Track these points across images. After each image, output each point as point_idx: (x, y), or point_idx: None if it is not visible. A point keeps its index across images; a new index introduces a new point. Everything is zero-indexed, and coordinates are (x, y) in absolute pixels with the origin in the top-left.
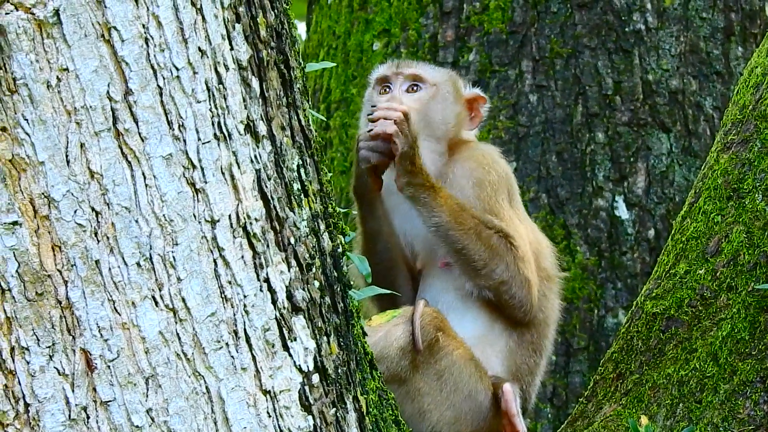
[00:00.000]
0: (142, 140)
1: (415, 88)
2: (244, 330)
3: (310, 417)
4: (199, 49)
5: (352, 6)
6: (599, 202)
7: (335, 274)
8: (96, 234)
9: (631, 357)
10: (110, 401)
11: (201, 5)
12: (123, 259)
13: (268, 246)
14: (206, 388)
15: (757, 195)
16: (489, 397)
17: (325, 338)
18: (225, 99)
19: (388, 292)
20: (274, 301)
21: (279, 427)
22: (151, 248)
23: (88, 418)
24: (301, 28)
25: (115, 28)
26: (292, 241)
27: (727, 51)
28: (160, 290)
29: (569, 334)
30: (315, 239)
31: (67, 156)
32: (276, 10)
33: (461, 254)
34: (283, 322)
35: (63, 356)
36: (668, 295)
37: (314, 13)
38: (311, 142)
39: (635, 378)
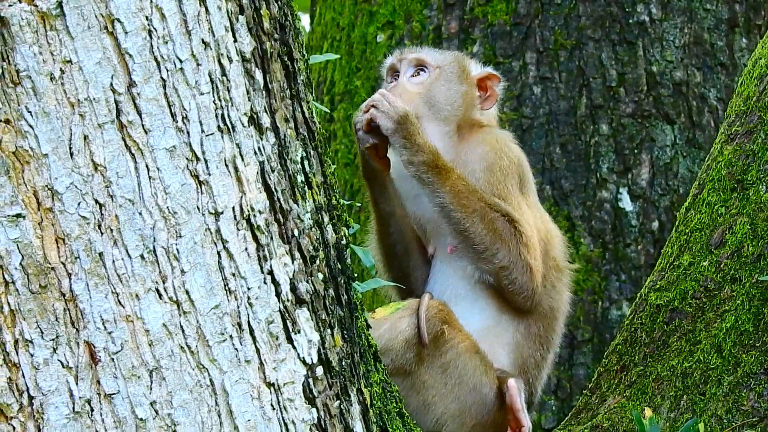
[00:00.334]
0: (146, 132)
1: (419, 72)
2: (248, 322)
3: (314, 409)
4: (203, 41)
5: None
6: (603, 193)
7: (339, 266)
8: (99, 226)
9: (635, 349)
10: (114, 394)
11: None
12: (127, 251)
13: (271, 238)
14: (210, 380)
15: (761, 186)
16: (494, 390)
17: (329, 330)
18: (228, 91)
19: (392, 284)
20: (277, 294)
21: (283, 419)
22: (154, 240)
23: (92, 410)
24: (304, 20)
25: (118, 20)
26: (296, 233)
27: (731, 42)
28: (163, 283)
29: (573, 326)
30: (319, 231)
31: (70, 148)
32: (279, 2)
33: (463, 236)
34: (287, 315)
35: (67, 349)
36: (672, 287)
37: (318, 5)
38: (315, 134)
39: (639, 370)
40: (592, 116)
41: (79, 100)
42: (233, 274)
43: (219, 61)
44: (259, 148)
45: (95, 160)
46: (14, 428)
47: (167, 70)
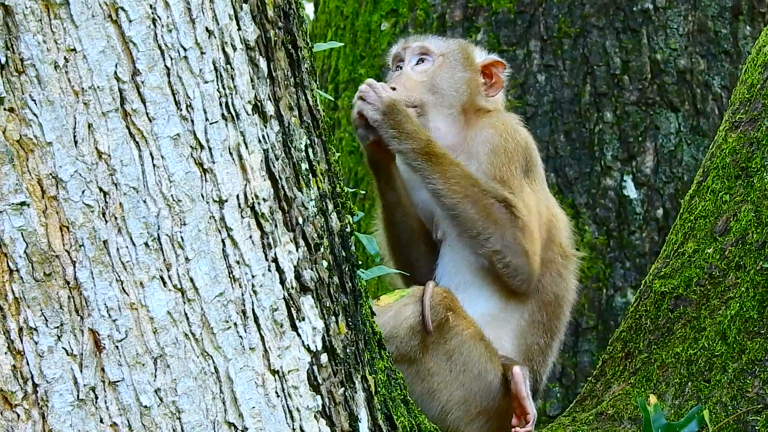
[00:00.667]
0: (150, 121)
1: (422, 60)
2: (253, 310)
3: (318, 396)
4: (207, 29)
5: None
6: (608, 181)
7: (343, 253)
8: (104, 214)
9: (640, 336)
10: (118, 381)
11: None
12: (131, 239)
13: (276, 226)
14: (214, 368)
15: (765, 174)
16: (499, 377)
17: (333, 318)
18: (233, 79)
19: (396, 271)
20: (282, 281)
21: (287, 406)
22: (159, 228)
23: (96, 398)
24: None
25: (122, 8)
26: (300, 221)
27: (735, 30)
28: (168, 270)
29: (578, 313)
30: (323, 219)
31: (74, 136)
32: None
33: (456, 221)
34: (291, 302)
35: (71, 337)
36: (677, 274)
37: None
38: (319, 122)
39: (644, 357)
40: (597, 104)
41: (83, 88)
42: (237, 262)
43: (223, 49)
44: (263, 136)
45: (99, 148)
46: (18, 416)
47: (171, 59)
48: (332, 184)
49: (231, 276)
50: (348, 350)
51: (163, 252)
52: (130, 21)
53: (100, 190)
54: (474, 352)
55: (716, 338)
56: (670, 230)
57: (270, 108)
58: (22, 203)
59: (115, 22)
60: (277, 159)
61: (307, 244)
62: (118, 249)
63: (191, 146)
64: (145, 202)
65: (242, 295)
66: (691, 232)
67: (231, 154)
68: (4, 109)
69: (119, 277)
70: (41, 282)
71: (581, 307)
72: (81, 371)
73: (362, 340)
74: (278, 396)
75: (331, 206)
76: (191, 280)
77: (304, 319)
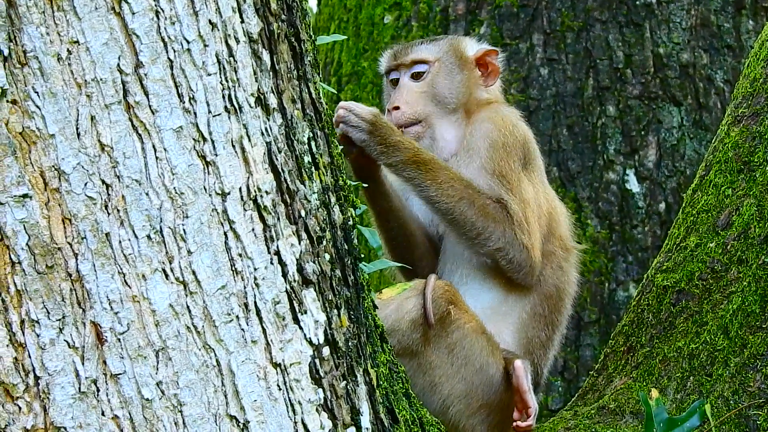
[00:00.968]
0: (153, 113)
1: (417, 72)
2: (255, 303)
3: (320, 390)
4: (210, 21)
5: None
6: (610, 175)
7: (346, 246)
8: (106, 207)
9: (642, 330)
10: (120, 374)
11: None
12: (133, 231)
13: (278, 219)
14: (216, 361)
15: (767, 168)
16: (500, 370)
17: (335, 311)
18: (236, 72)
19: (399, 264)
20: (284, 274)
21: (289, 399)
22: (161, 221)
23: (98, 390)
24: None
25: (125, 0)
26: (303, 213)
27: (738, 24)
28: (170, 263)
29: (580, 307)
30: (326, 212)
31: (77, 129)
32: None
33: (454, 224)
34: (293, 295)
35: (73, 329)
36: (679, 269)
37: None
38: (322, 115)
39: (646, 351)
40: (599, 98)
41: (86, 80)
42: (240, 255)
43: (226, 41)
44: (266, 129)
45: (102, 140)
46: (20, 408)
47: (174, 51)
48: (335, 177)
49: (233, 269)
50: (350, 343)
51: (165, 245)
52: (133, 13)
53: (103, 182)
54: (475, 345)
55: (718, 332)
56: (672, 224)
57: (273, 101)
58: (25, 195)
59: (118, 15)
60: (279, 152)
61: (310, 237)
62: (120, 241)
63: (194, 139)
64: (147, 194)
65: (244, 288)
66: (694, 227)
67: (234, 146)
68: (7, 101)
69: (121, 269)
70: (43, 274)
71: (583, 301)
72: (83, 364)
73: (364, 333)
74: (280, 389)
75: (333, 199)
76: (193, 272)
77: (306, 312)
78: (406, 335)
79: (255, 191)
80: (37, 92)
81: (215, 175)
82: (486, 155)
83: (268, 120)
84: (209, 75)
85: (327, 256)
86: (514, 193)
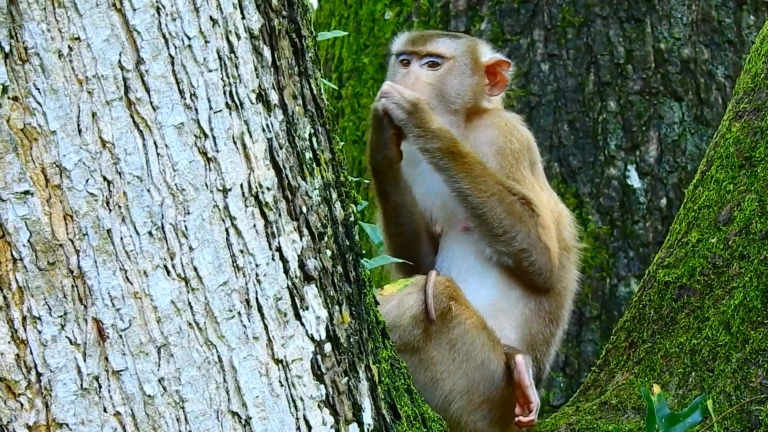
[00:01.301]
0: (154, 109)
1: (433, 63)
2: (256, 299)
3: (322, 386)
4: (211, 17)
5: None
6: (611, 171)
7: (347, 242)
8: (108, 203)
9: (644, 326)
10: (122, 371)
11: None
12: (135, 228)
13: (280, 215)
14: (218, 357)
15: None
16: (502, 366)
17: (337, 307)
18: (237, 68)
19: (401, 260)
20: (286, 270)
21: (291, 396)
22: (162, 217)
23: (100, 387)
24: None
25: None
26: (304, 209)
27: (739, 19)
28: (171, 259)
29: (581, 303)
30: (327, 208)
31: (78, 125)
32: None
33: (481, 220)
34: (295, 291)
35: (75, 326)
36: (680, 264)
37: None
38: (323, 111)
39: (647, 347)
40: (600, 93)
41: (87, 77)
42: (241, 251)
43: (227, 38)
44: (267, 125)
45: (103, 137)
46: (22, 405)
47: (175, 47)
48: (336, 173)
49: (235, 265)
50: (352, 339)
51: (167, 241)
52: (135, 9)
53: (104, 178)
54: (477, 341)
55: (720, 328)
56: (673, 220)
57: (274, 97)
58: (26, 192)
59: (119, 11)
60: (281, 148)
61: (311, 233)
62: (122, 238)
63: (195, 135)
64: (149, 191)
65: (246, 284)
66: (695, 222)
67: (235, 142)
68: (8, 98)
69: (123, 266)
70: (45, 271)
71: (585, 296)
72: (84, 360)
73: (366, 329)
74: (282, 385)
75: (335, 195)
76: (195, 269)
77: (307, 309)
78: (407, 331)
79: (256, 187)
80: (38, 89)
81: (216, 171)
82: (495, 161)
83: (270, 116)
84: (210, 71)
85: (328, 252)
86: (534, 195)
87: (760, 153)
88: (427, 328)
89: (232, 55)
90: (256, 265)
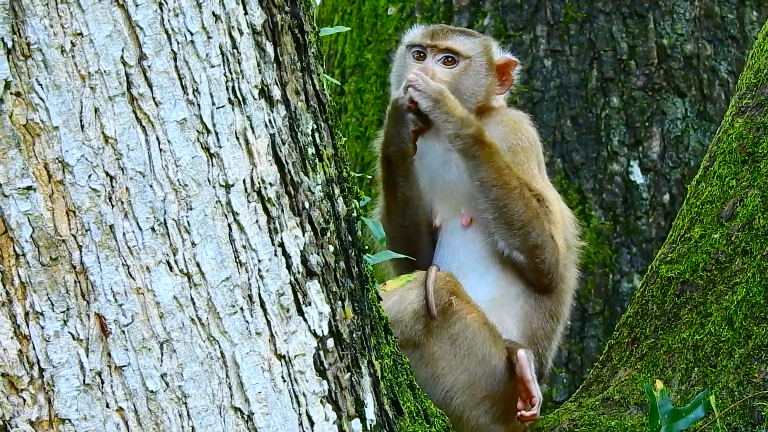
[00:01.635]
0: (157, 105)
1: (449, 60)
2: (259, 295)
3: (324, 381)
4: (213, 13)
5: None
6: (614, 166)
7: (350, 238)
8: (110, 199)
9: (646, 321)
10: (125, 366)
11: None
12: (137, 223)
13: (282, 210)
14: (221, 352)
15: None
16: (503, 361)
17: (339, 303)
18: (239, 64)
19: (402, 256)
20: (288, 266)
21: (294, 391)
22: (165, 213)
23: (102, 383)
24: None
25: None
26: (307, 205)
27: (742, 15)
28: (174, 255)
29: (584, 299)
30: (329, 204)
31: (81, 121)
32: None
33: (502, 212)
34: (297, 287)
35: (77, 321)
36: (683, 260)
37: None
38: (326, 107)
39: (650, 342)
40: (603, 89)
41: (89, 72)
42: (244, 247)
43: (230, 33)
44: (269, 121)
45: (106, 132)
46: (25, 400)
47: (178, 43)
48: (339, 169)
49: (237, 261)
50: (354, 335)
51: (169, 236)
52: (137, 5)
53: (107, 174)
54: (478, 336)
55: (722, 324)
56: (676, 215)
57: (276, 92)
58: (29, 188)
59: (122, 6)
60: (283, 143)
61: (314, 228)
62: (124, 233)
63: (198, 131)
64: (151, 186)
65: (248, 279)
66: (698, 218)
67: (237, 138)
68: (11, 94)
69: (125, 261)
70: (47, 266)
71: (588, 292)
72: (87, 356)
73: (368, 325)
74: (284, 381)
75: (337, 191)
76: (197, 264)
77: (310, 304)
78: (408, 326)
79: (259, 183)
80: (40, 84)
81: (219, 166)
82: (507, 158)
83: (272, 112)
84: (213, 67)
85: (331, 248)
86: (546, 192)
87: (762, 148)
88: (428, 323)
89: (235, 50)
90: (259, 261)
